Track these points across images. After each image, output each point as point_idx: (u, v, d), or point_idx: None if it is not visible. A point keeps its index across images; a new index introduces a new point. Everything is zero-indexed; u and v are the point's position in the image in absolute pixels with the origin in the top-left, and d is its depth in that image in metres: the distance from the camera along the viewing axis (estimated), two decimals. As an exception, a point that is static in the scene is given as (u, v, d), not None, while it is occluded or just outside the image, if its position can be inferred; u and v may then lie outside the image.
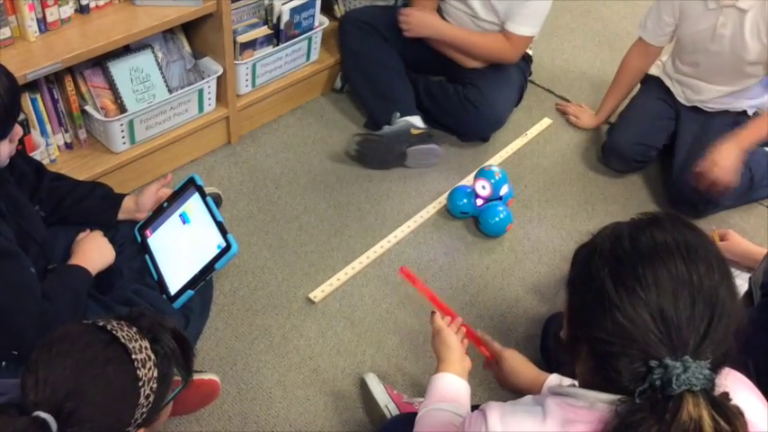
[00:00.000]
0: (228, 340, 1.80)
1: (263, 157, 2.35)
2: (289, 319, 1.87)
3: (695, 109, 2.36)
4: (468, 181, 2.29)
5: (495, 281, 2.05)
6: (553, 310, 1.90)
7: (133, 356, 0.97)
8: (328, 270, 2.00)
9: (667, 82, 2.42)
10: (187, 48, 2.19)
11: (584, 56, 3.05)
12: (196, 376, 1.50)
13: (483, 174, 2.15)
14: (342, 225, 2.15)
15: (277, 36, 2.33)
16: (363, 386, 1.67)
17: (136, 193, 1.80)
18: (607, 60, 2.96)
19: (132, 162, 2.08)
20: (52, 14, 1.82)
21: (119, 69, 2.00)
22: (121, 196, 1.74)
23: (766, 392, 0.97)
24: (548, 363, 1.75)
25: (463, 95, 2.37)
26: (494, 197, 2.14)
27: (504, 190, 2.15)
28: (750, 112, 2.31)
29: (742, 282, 1.76)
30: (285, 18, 2.30)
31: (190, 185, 1.75)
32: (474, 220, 2.18)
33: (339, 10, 2.69)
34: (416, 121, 2.36)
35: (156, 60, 2.08)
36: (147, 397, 0.98)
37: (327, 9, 2.65)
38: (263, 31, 2.29)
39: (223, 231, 1.63)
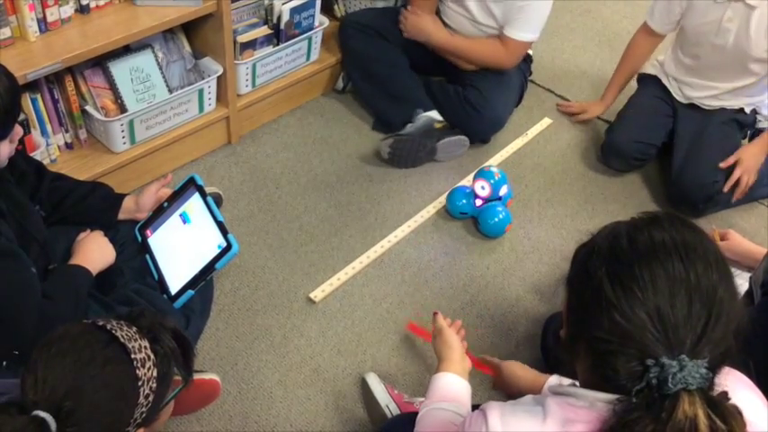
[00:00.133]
0: (229, 340, 1.80)
1: (263, 156, 2.35)
2: (289, 319, 1.87)
3: (692, 106, 2.36)
4: (467, 181, 2.29)
5: (495, 280, 2.05)
6: (553, 309, 1.90)
7: (132, 356, 0.97)
8: (329, 270, 2.00)
9: (664, 80, 2.42)
10: (187, 48, 2.19)
11: (584, 55, 3.05)
12: (197, 376, 1.50)
13: (482, 174, 2.15)
14: (342, 225, 2.15)
15: (277, 36, 2.33)
16: (364, 386, 1.67)
17: (136, 192, 1.80)
18: (607, 60, 2.95)
19: (132, 162, 2.08)
20: (52, 14, 1.82)
21: (119, 69, 2.00)
22: (122, 196, 1.74)
23: (767, 391, 0.97)
24: (548, 362, 1.75)
25: (463, 97, 2.37)
26: (493, 198, 2.14)
27: (503, 190, 2.15)
28: (748, 110, 2.32)
29: (742, 281, 1.76)
30: (285, 18, 2.30)
31: (190, 185, 1.75)
32: (473, 221, 2.18)
33: (339, 10, 2.69)
34: (435, 114, 2.38)
35: (157, 60, 2.08)
36: (147, 396, 0.98)
37: (327, 9, 2.65)
38: (264, 30, 2.30)
39: (223, 231, 1.63)
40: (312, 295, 1.92)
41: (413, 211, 2.22)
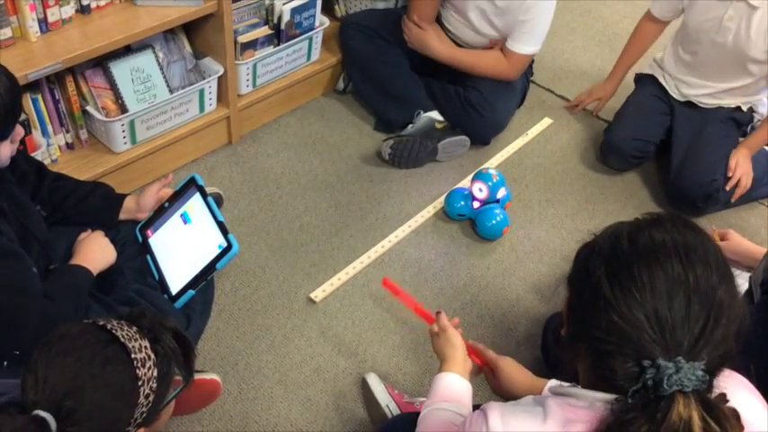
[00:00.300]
0: (230, 340, 1.80)
1: (263, 156, 2.35)
2: (290, 319, 1.87)
3: (690, 105, 2.37)
4: (466, 182, 2.29)
5: (495, 280, 2.05)
6: (553, 309, 1.90)
7: (132, 356, 0.97)
8: (329, 270, 2.00)
9: (661, 78, 2.43)
10: (188, 48, 2.19)
11: (584, 56, 3.05)
12: (197, 376, 1.50)
13: (480, 176, 2.15)
14: (343, 225, 2.15)
15: (278, 36, 2.33)
16: (364, 386, 1.67)
17: (137, 193, 1.80)
18: (607, 60, 2.95)
19: (133, 162, 2.08)
20: (53, 15, 1.82)
21: (120, 69, 2.00)
22: (123, 196, 1.75)
23: (766, 392, 0.97)
24: (548, 362, 1.75)
25: (464, 98, 2.37)
26: (491, 200, 2.14)
27: (501, 193, 2.15)
28: (744, 108, 2.32)
29: (742, 281, 1.76)
30: (286, 18, 2.30)
31: (191, 185, 1.75)
32: (471, 223, 2.18)
33: (340, 10, 2.69)
34: (436, 114, 2.38)
35: (157, 60, 2.08)
36: (147, 396, 0.98)
37: (328, 9, 2.65)
38: (264, 31, 2.30)
39: (224, 231, 1.63)
40: (313, 295, 1.92)
41: (413, 211, 2.22)
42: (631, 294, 0.83)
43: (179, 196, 1.75)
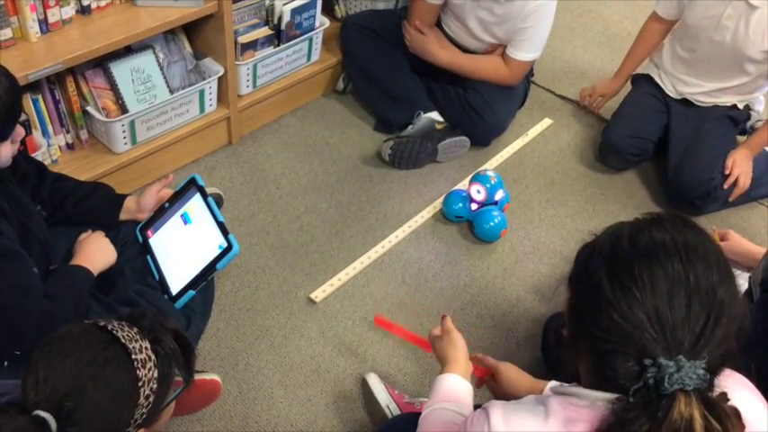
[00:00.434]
0: (230, 340, 1.80)
1: (263, 157, 2.35)
2: (290, 320, 1.87)
3: (686, 103, 2.38)
4: (465, 184, 2.29)
5: (495, 281, 2.05)
6: (554, 310, 1.90)
7: (133, 357, 0.97)
8: (329, 270, 2.00)
9: (656, 77, 2.44)
10: (188, 48, 2.19)
11: (584, 56, 3.05)
12: (197, 376, 1.50)
13: (478, 178, 2.15)
14: (343, 225, 2.15)
15: (278, 37, 2.33)
16: (365, 386, 1.67)
17: (137, 193, 1.80)
18: (607, 60, 2.96)
19: (134, 162, 2.08)
20: (53, 15, 1.82)
21: (120, 70, 2.00)
22: (123, 197, 1.75)
23: (766, 392, 0.97)
24: (548, 363, 1.75)
25: (465, 100, 2.38)
26: (489, 202, 2.14)
27: (499, 195, 2.14)
28: (741, 106, 2.33)
29: (742, 281, 1.76)
30: (286, 19, 2.30)
31: (191, 186, 1.75)
32: (469, 225, 2.18)
33: (340, 11, 2.69)
34: (436, 115, 2.39)
35: (158, 61, 2.08)
36: (147, 397, 0.98)
37: (328, 10, 2.65)
38: (264, 31, 2.30)
39: (224, 231, 1.63)
40: (313, 296, 1.92)
41: (413, 211, 2.22)
42: (632, 294, 0.83)
43: (179, 197, 1.75)
